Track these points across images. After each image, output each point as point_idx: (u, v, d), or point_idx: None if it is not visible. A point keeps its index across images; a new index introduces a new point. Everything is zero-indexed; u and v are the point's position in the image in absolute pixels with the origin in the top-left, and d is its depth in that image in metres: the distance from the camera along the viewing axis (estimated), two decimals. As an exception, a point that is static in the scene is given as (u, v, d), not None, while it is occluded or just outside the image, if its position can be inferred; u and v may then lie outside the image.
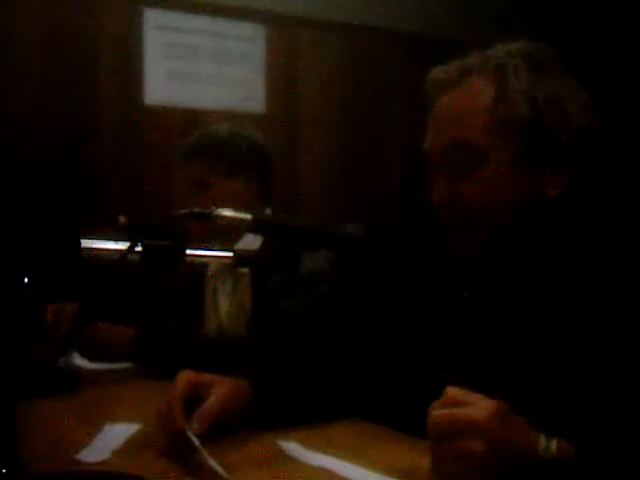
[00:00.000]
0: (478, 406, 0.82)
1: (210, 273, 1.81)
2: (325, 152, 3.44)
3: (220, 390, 1.08)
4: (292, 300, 1.59)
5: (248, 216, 1.04)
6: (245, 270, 1.66)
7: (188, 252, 1.17)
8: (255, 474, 0.97)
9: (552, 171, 1.04)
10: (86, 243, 1.17)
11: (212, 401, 1.06)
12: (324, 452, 1.03)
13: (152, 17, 3.06)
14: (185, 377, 1.09)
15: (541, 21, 3.31)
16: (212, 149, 1.78)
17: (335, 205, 3.38)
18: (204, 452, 0.96)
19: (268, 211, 1.80)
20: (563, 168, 1.04)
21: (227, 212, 1.05)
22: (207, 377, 1.11)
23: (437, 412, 0.82)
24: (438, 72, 1.10)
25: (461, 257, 1.08)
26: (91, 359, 1.61)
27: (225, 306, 1.76)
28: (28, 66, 2.81)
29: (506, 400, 0.83)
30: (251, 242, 1.45)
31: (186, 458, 0.98)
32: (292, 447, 1.05)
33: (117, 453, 1.04)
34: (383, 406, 1.17)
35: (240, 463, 0.99)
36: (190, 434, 0.99)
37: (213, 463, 0.94)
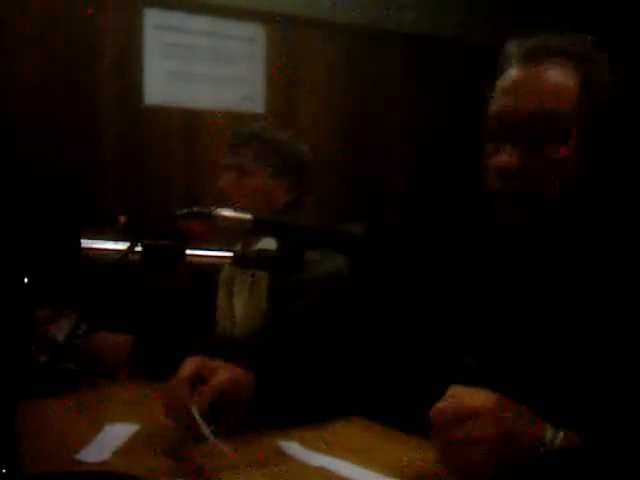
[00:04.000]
0: (481, 394, 0.83)
1: (224, 276, 1.80)
2: (325, 152, 3.44)
3: (224, 373, 1.11)
4: (300, 300, 1.59)
5: (248, 216, 1.03)
6: (262, 273, 1.65)
7: (188, 252, 1.17)
8: (255, 474, 0.97)
9: (615, 156, 1.04)
10: (86, 243, 1.17)
11: (215, 380, 1.09)
12: (324, 452, 1.03)
13: (152, 17, 3.06)
14: (192, 361, 1.12)
15: (540, 19, 3.31)
16: (266, 141, 1.79)
17: (335, 205, 3.38)
18: (207, 428, 0.98)
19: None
20: (623, 154, 1.04)
21: (227, 212, 1.05)
22: (213, 362, 1.14)
23: (439, 403, 0.83)
24: (519, 43, 1.07)
25: (509, 225, 1.05)
26: (91, 370, 1.60)
27: (241, 309, 1.75)
28: (28, 66, 2.80)
29: (522, 387, 0.83)
30: (267, 244, 1.44)
31: (193, 432, 1.01)
32: (292, 447, 1.05)
33: (117, 453, 1.04)
34: (397, 405, 1.17)
35: (240, 463, 0.99)
36: (195, 411, 1.01)
37: (215, 439, 0.97)
